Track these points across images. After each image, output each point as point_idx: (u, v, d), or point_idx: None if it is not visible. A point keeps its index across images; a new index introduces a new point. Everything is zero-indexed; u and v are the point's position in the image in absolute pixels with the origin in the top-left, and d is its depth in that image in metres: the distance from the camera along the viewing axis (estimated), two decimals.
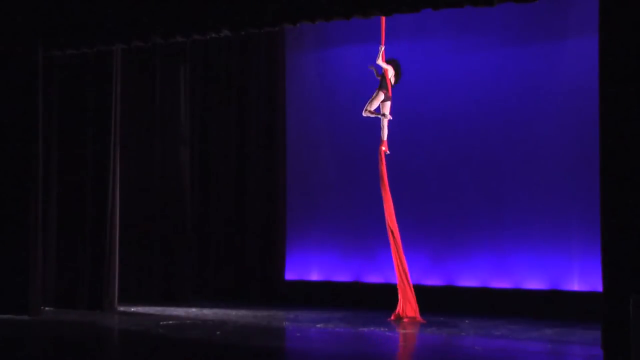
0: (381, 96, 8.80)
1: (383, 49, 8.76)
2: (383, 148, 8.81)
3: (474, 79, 9.79)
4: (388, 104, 8.82)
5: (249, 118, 10.96)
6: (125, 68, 9.88)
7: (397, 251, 8.66)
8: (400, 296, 8.69)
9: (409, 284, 8.67)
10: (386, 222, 8.75)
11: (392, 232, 8.69)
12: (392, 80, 8.83)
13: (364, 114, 8.81)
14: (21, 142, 9.06)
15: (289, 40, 10.86)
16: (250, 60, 10.97)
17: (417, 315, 8.64)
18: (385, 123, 8.83)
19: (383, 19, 8.67)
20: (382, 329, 8.08)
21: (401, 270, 8.64)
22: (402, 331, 8.01)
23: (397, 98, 8.96)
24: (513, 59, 9.63)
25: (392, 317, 8.67)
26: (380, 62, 8.77)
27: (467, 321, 8.55)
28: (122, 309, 9.56)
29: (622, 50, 6.39)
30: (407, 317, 8.63)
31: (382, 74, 8.83)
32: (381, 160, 8.77)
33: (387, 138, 8.87)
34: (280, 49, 10.84)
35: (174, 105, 10.83)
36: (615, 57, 6.42)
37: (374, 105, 8.80)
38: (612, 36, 6.46)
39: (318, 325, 8.35)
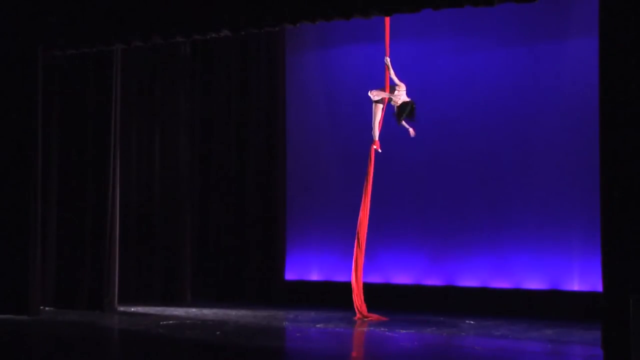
0: (379, 109, 8.83)
1: (389, 60, 8.75)
2: (374, 147, 8.84)
3: (474, 79, 9.79)
4: (381, 107, 8.84)
5: (249, 118, 10.96)
6: (125, 68, 9.88)
7: (360, 254, 8.76)
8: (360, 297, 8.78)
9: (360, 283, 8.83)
10: (359, 222, 8.78)
11: (358, 236, 8.77)
12: (395, 98, 8.81)
13: (375, 135, 8.84)
14: (21, 142, 9.06)
15: (289, 40, 10.85)
16: (250, 61, 10.97)
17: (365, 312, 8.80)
18: (376, 124, 8.85)
19: (387, 29, 8.65)
20: (382, 329, 8.08)
21: (359, 272, 8.76)
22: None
23: None
24: (513, 59, 9.63)
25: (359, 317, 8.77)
26: (392, 75, 8.75)
27: (467, 321, 8.55)
28: (122, 309, 9.56)
29: (622, 51, 6.39)
30: (368, 316, 8.74)
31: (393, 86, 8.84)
32: (371, 160, 8.80)
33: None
34: (280, 49, 10.84)
35: (174, 105, 10.84)
36: (615, 57, 6.42)
37: (378, 119, 8.83)
38: (612, 36, 6.46)
39: (318, 325, 8.35)
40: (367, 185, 8.86)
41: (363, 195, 8.85)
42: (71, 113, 9.61)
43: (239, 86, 11.06)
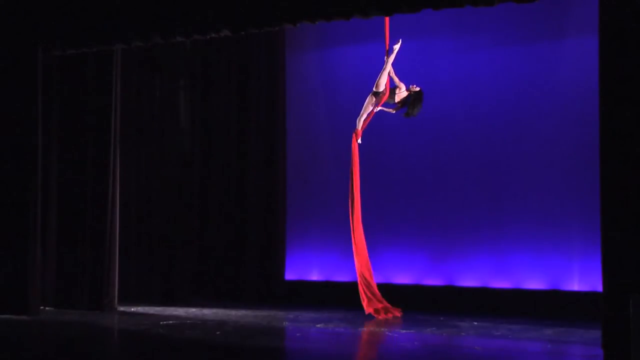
0: (371, 104, 8.82)
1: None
2: (355, 136, 8.85)
3: (474, 79, 9.80)
4: (374, 100, 8.83)
5: (249, 118, 10.96)
6: (125, 68, 9.88)
7: (359, 246, 8.82)
8: (368, 293, 8.84)
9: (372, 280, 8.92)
10: (350, 216, 8.85)
11: (353, 228, 8.85)
12: (397, 98, 8.81)
13: (358, 125, 8.85)
14: (21, 142, 9.05)
15: (289, 40, 10.86)
16: (250, 60, 10.97)
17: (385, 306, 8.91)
18: (364, 115, 8.83)
19: (387, 28, 8.65)
20: (382, 329, 8.08)
21: (365, 268, 8.80)
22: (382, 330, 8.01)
23: None
24: (513, 59, 9.63)
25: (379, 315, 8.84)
26: (393, 75, 8.75)
27: (467, 321, 8.55)
28: (122, 309, 9.56)
29: (622, 50, 6.39)
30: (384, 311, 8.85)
31: (393, 88, 8.83)
32: (353, 150, 8.83)
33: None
34: (280, 49, 10.84)
35: (174, 105, 10.85)
36: (615, 57, 6.42)
37: (368, 112, 8.84)
38: (612, 36, 6.46)
39: (318, 325, 8.35)
40: (353, 176, 8.86)
41: (350, 187, 8.85)
42: (71, 113, 9.60)
43: (239, 86, 11.06)
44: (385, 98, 8.77)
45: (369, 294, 8.88)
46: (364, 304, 8.85)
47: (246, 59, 11.00)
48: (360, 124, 8.87)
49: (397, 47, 8.65)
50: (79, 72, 9.56)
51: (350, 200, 8.92)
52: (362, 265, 8.89)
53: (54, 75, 9.57)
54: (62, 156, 9.62)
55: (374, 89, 8.80)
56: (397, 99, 8.79)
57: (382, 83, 8.77)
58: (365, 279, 8.90)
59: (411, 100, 8.72)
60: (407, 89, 8.77)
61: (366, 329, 8.15)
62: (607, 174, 6.41)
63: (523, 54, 9.59)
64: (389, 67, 8.70)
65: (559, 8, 9.23)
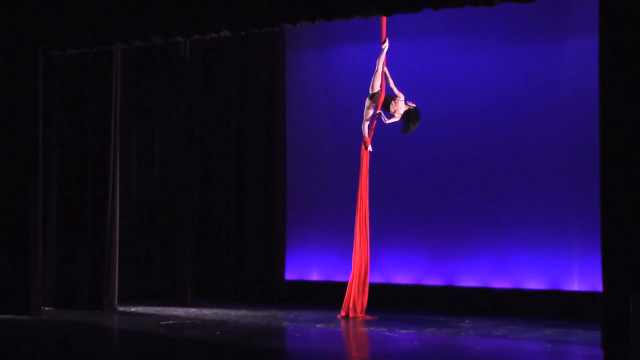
0: (371, 107, 8.80)
1: (387, 69, 8.76)
2: (364, 144, 8.81)
3: (474, 79, 9.80)
4: (372, 103, 8.81)
5: (249, 118, 10.96)
6: (125, 68, 9.89)
7: (366, 249, 8.78)
8: (354, 294, 8.81)
9: (366, 282, 8.88)
10: (357, 220, 8.80)
11: (364, 230, 8.79)
12: (396, 111, 8.77)
13: (364, 131, 8.82)
14: (21, 142, 9.06)
15: (289, 40, 10.86)
16: (250, 60, 10.98)
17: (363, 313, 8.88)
18: (366, 120, 8.81)
19: (384, 30, 8.65)
20: (382, 329, 8.08)
21: (364, 270, 8.79)
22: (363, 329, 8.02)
23: None
24: (513, 59, 9.63)
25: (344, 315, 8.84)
26: (392, 86, 8.75)
27: (467, 321, 8.55)
28: (122, 309, 9.56)
29: (622, 50, 6.39)
30: (358, 315, 8.82)
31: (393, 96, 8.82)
32: (362, 159, 8.79)
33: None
34: (280, 49, 10.84)
35: (173, 104, 10.85)
36: (615, 57, 6.42)
37: (368, 115, 8.83)
38: (612, 36, 6.46)
39: (318, 325, 8.35)
40: (361, 186, 8.82)
41: (358, 201, 8.82)
42: (71, 113, 9.61)
43: (239, 86, 11.06)
44: (382, 99, 8.75)
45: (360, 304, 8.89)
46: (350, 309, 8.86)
47: (246, 59, 11.01)
48: (365, 130, 8.83)
49: (385, 46, 8.68)
50: (79, 72, 9.56)
51: (358, 210, 8.85)
52: (362, 273, 8.86)
53: (54, 76, 9.57)
54: (62, 156, 9.62)
55: (370, 91, 8.80)
56: (393, 108, 8.73)
57: (377, 84, 8.77)
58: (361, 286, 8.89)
59: (407, 116, 8.67)
60: (405, 103, 8.71)
61: (366, 329, 8.16)
62: (607, 174, 6.40)
63: (523, 54, 9.58)
64: (380, 68, 8.71)
65: (560, 8, 9.23)
